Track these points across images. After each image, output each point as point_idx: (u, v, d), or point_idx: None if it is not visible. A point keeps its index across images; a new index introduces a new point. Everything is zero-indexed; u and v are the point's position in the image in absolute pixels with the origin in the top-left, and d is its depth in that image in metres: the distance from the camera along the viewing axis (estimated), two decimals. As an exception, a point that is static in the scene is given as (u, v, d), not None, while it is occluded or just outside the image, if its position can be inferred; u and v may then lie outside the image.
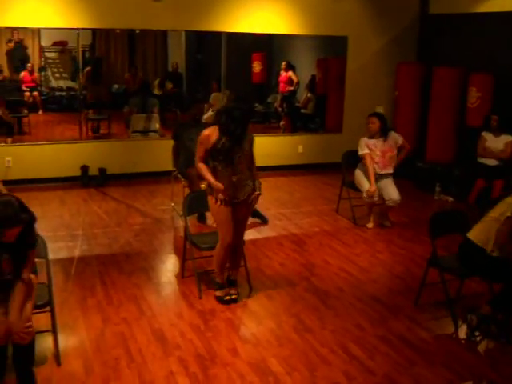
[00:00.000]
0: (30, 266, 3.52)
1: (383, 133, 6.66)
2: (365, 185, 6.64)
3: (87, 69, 9.97)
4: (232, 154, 4.50)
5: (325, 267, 5.57)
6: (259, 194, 4.70)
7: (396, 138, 6.74)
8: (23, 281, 3.43)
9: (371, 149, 6.60)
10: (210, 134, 4.52)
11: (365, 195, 6.63)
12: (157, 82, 11.09)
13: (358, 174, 6.78)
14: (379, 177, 6.63)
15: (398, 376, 3.74)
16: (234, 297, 4.73)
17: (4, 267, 3.40)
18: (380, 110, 9.68)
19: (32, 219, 3.39)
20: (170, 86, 11.09)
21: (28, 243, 3.45)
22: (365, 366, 3.84)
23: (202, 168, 4.58)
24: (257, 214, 6.77)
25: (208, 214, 6.27)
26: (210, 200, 4.63)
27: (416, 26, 10.03)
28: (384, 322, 4.48)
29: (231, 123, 4.44)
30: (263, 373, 3.72)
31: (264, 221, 6.80)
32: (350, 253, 5.97)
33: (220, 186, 4.46)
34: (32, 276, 3.56)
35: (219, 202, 4.50)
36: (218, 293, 4.75)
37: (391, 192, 6.58)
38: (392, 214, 6.95)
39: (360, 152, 6.67)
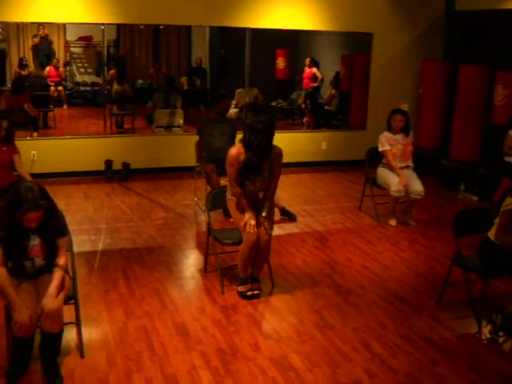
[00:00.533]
0: (65, 255, 3.64)
1: (405, 130, 6.65)
2: (391, 179, 6.54)
3: (112, 71, 10.01)
4: (261, 170, 4.57)
5: (347, 265, 5.55)
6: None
7: (412, 135, 6.82)
8: (61, 267, 3.54)
9: (392, 144, 6.58)
10: (237, 152, 4.56)
11: (394, 189, 6.47)
12: (184, 79, 11.12)
13: (382, 171, 6.74)
14: (404, 169, 6.60)
15: (420, 375, 3.71)
16: (256, 292, 4.73)
17: (34, 252, 3.50)
18: (404, 107, 9.61)
19: (52, 206, 3.50)
20: (198, 82, 11.13)
21: (56, 231, 3.56)
22: (387, 365, 3.81)
23: (239, 194, 4.60)
24: (285, 213, 6.79)
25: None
26: (230, 203, 4.71)
27: (442, 23, 9.92)
28: (406, 320, 4.45)
29: (255, 138, 4.49)
30: (284, 368, 3.72)
31: (292, 218, 6.79)
32: (372, 250, 5.94)
33: (252, 216, 4.52)
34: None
35: (249, 229, 4.50)
36: (241, 288, 4.76)
37: (415, 184, 6.52)
38: (415, 211, 6.90)
39: (381, 149, 6.65)
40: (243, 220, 4.53)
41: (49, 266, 3.57)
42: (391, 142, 6.59)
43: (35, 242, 3.51)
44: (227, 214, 6.60)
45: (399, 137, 6.63)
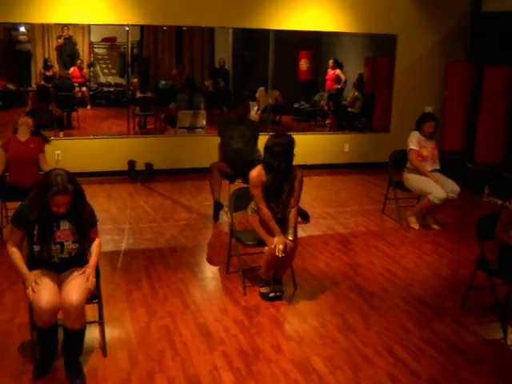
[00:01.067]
0: (98, 254, 3.77)
1: (433, 135, 6.68)
2: (430, 186, 6.39)
3: (135, 80, 10.04)
4: (281, 191, 4.57)
5: (370, 267, 5.52)
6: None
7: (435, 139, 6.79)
8: (96, 245, 3.78)
9: (423, 145, 6.55)
10: (258, 174, 4.58)
11: (438, 196, 6.31)
12: (209, 81, 11.14)
13: (415, 177, 6.58)
14: (433, 172, 6.57)
15: (443, 380, 3.67)
16: (278, 294, 4.73)
17: (63, 236, 3.56)
18: (429, 110, 9.54)
19: (80, 192, 3.57)
20: (221, 83, 11.15)
21: (86, 217, 3.65)
22: (409, 369, 3.78)
23: (268, 217, 4.57)
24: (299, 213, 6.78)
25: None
26: (251, 220, 4.75)
27: (467, 25, 9.84)
28: (430, 324, 4.41)
29: (274, 160, 4.51)
30: (306, 371, 3.71)
31: (304, 218, 6.78)
32: (395, 254, 5.90)
33: (281, 240, 4.49)
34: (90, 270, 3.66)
35: (278, 253, 4.47)
36: (263, 289, 4.75)
37: (449, 184, 6.47)
38: (439, 215, 6.84)
39: (410, 146, 6.59)
40: (272, 243, 4.48)
41: (79, 253, 3.64)
42: (422, 144, 6.56)
43: (65, 226, 3.57)
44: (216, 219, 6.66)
45: (428, 140, 6.62)
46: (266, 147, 4.61)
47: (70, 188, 3.44)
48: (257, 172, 4.60)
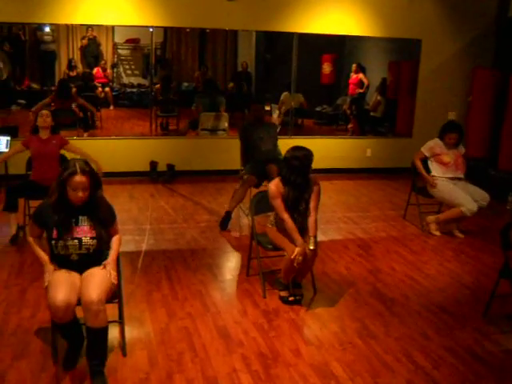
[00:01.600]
0: (117, 250, 3.80)
1: (456, 145, 6.60)
2: (461, 197, 6.33)
3: (157, 86, 10.09)
4: (298, 204, 4.60)
5: (391, 273, 5.48)
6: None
7: (461, 147, 6.69)
8: (117, 238, 3.84)
9: (443, 152, 6.49)
10: (276, 186, 4.62)
11: (469, 207, 6.26)
12: (231, 84, 11.18)
13: (445, 187, 6.48)
14: (454, 180, 6.51)
15: (464, 389, 3.64)
16: (298, 298, 4.70)
17: (82, 232, 3.58)
18: (452, 116, 9.49)
19: (96, 178, 3.63)
20: (245, 87, 11.17)
21: (104, 213, 3.70)
22: (430, 377, 3.74)
23: (291, 227, 4.56)
24: None
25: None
26: (270, 232, 4.79)
27: (493, 30, 9.75)
28: (451, 332, 4.36)
29: (291, 174, 4.56)
30: (325, 376, 3.69)
31: None
32: (417, 260, 5.85)
33: (302, 251, 4.46)
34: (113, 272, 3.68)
35: (296, 263, 4.46)
36: (283, 293, 4.74)
37: (479, 192, 6.42)
38: (463, 222, 6.76)
39: (421, 148, 6.62)
40: (293, 253, 4.45)
41: (98, 250, 3.64)
42: (443, 151, 6.50)
43: (84, 223, 3.60)
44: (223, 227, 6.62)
45: (452, 148, 6.56)
46: (285, 159, 4.65)
47: (86, 168, 3.53)
48: (275, 185, 4.63)
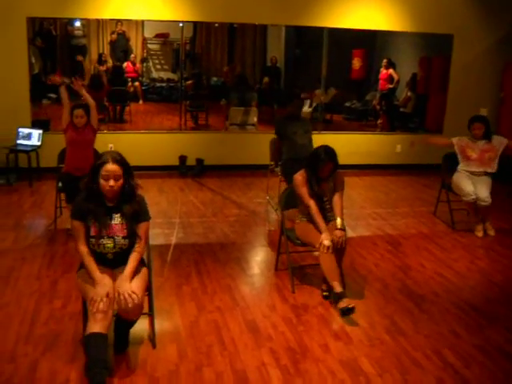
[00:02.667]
0: (143, 245, 3.71)
1: (487, 136, 6.48)
2: (463, 184, 6.40)
3: (189, 82, 10.11)
4: (321, 196, 4.65)
5: (420, 270, 5.44)
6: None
7: (500, 140, 6.52)
8: (137, 252, 3.65)
9: (470, 146, 6.45)
10: (302, 176, 4.68)
11: (463, 193, 6.37)
12: (266, 79, 11.17)
13: (456, 177, 6.56)
14: (474, 174, 6.45)
15: (494, 388, 3.60)
16: (351, 305, 4.34)
17: (115, 231, 3.60)
18: (484, 112, 9.36)
19: (129, 169, 3.63)
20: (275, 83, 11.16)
21: (136, 210, 3.65)
22: (459, 375, 3.70)
23: (315, 211, 4.62)
24: None
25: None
26: (298, 227, 4.81)
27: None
28: (481, 330, 4.31)
29: (313, 166, 4.61)
30: (354, 372, 3.67)
31: None
32: (447, 257, 5.80)
33: (327, 236, 4.50)
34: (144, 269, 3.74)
35: (323, 249, 4.47)
36: (341, 304, 4.35)
37: (481, 191, 6.34)
38: (493, 220, 6.68)
39: (452, 137, 6.62)
40: (317, 241, 4.48)
41: (129, 249, 3.65)
42: (469, 145, 6.44)
43: (116, 220, 3.61)
44: None
45: (480, 143, 6.47)
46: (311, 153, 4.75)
47: (118, 157, 3.56)
48: (301, 175, 4.69)
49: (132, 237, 3.64)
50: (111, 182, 3.52)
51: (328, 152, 4.60)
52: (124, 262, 3.63)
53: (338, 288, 4.40)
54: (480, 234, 6.49)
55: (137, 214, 3.67)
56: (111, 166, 3.52)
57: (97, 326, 3.33)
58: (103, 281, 3.46)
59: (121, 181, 3.57)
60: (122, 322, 3.60)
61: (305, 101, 9.96)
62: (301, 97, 8.44)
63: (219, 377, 3.55)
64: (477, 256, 5.89)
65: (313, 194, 4.64)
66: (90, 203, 3.58)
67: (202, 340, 3.98)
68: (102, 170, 3.51)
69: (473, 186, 6.37)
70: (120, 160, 3.58)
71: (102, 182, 3.53)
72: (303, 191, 4.66)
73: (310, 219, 4.68)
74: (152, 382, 3.47)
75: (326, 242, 4.45)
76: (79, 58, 9.82)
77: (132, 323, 3.64)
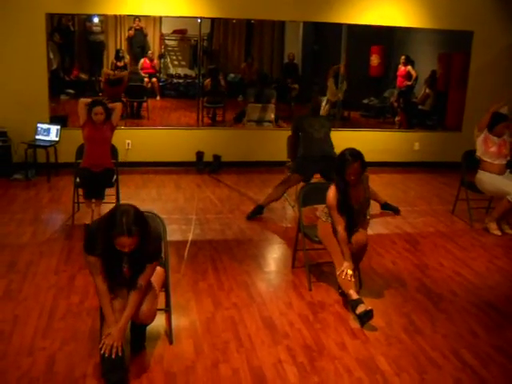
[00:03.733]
0: (147, 277, 3.53)
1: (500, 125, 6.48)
2: (509, 185, 6.25)
3: (207, 81, 10.10)
4: (351, 206, 4.50)
5: (438, 269, 5.39)
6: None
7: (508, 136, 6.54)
8: (137, 288, 3.47)
9: (490, 144, 6.38)
10: (333, 192, 4.49)
11: (510, 197, 6.18)
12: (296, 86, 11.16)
13: (491, 178, 6.39)
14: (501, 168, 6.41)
15: (513, 389, 3.56)
16: (369, 308, 4.22)
17: (125, 273, 3.49)
18: (504, 110, 9.25)
19: (146, 232, 3.34)
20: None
21: (147, 257, 3.46)
22: (478, 375, 3.66)
23: (342, 237, 4.48)
24: (386, 206, 6.88)
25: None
26: (323, 226, 4.67)
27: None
28: (500, 331, 4.27)
29: (341, 170, 4.46)
30: (371, 370, 3.65)
31: (395, 211, 6.95)
32: (465, 256, 5.74)
33: (350, 265, 4.44)
34: (159, 268, 3.72)
35: (345, 277, 4.40)
36: (358, 309, 4.25)
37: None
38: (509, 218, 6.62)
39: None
40: (340, 267, 4.42)
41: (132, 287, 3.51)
42: (489, 143, 6.38)
43: (124, 263, 3.47)
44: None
45: (496, 139, 6.43)
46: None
47: (134, 231, 3.22)
48: (332, 192, 4.50)
49: (134, 279, 3.49)
50: (126, 249, 3.31)
51: (353, 153, 4.45)
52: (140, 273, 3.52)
53: (354, 295, 4.34)
54: (499, 232, 6.42)
55: (147, 258, 3.48)
56: (126, 240, 3.24)
57: None
58: (113, 324, 3.43)
59: (135, 244, 3.32)
60: (141, 327, 3.64)
61: (322, 98, 9.90)
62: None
63: (235, 373, 3.54)
64: (496, 255, 5.83)
65: (343, 207, 4.48)
66: (100, 247, 3.37)
67: (218, 336, 3.98)
68: (117, 240, 3.24)
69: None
70: (137, 231, 3.26)
71: (116, 245, 3.30)
72: (334, 214, 4.49)
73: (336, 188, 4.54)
74: (168, 377, 3.47)
75: (350, 272, 4.40)
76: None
77: (147, 324, 3.68)
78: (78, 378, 3.41)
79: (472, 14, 9.26)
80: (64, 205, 6.83)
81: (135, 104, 10.29)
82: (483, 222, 6.61)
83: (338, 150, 6.66)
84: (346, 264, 4.43)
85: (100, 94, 9.32)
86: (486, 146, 6.42)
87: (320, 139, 6.61)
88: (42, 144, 8.08)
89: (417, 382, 3.56)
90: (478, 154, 6.50)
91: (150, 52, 10.65)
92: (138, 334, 3.76)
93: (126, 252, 3.32)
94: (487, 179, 6.45)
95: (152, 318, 3.61)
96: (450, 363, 3.78)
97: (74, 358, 3.61)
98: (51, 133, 8.16)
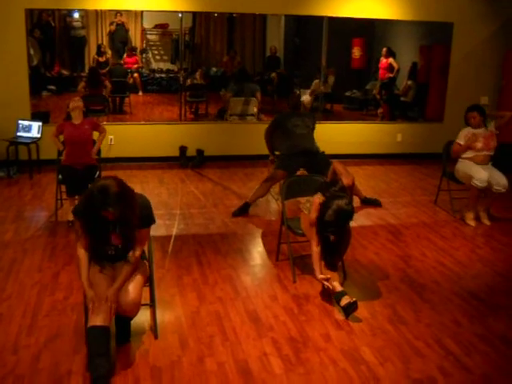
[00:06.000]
0: (139, 246, 3.65)
1: (484, 123, 6.49)
2: (473, 170, 6.32)
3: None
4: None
5: (421, 259, 5.44)
6: None
7: (492, 125, 6.57)
8: (128, 259, 3.58)
9: (473, 139, 6.36)
10: (316, 207, 4.42)
11: (478, 177, 6.23)
12: (274, 74, 11.14)
13: (462, 165, 6.49)
14: (479, 163, 6.41)
15: (496, 376, 3.59)
16: (353, 299, 4.24)
17: (114, 240, 3.55)
18: (484, 100, 9.35)
19: (129, 200, 3.42)
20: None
21: (135, 222, 3.51)
22: (461, 363, 3.70)
23: (315, 254, 4.48)
24: (366, 201, 6.94)
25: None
26: (303, 216, 4.71)
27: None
28: (483, 319, 4.31)
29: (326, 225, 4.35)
30: (356, 361, 3.68)
31: (377, 203, 7.00)
32: (448, 246, 5.79)
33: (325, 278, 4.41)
34: (143, 263, 3.74)
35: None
36: (343, 301, 4.26)
37: (498, 177, 6.32)
38: (493, 208, 6.68)
39: (457, 140, 6.48)
40: (318, 277, 4.43)
41: (131, 248, 3.62)
42: (473, 138, 6.38)
43: (115, 230, 3.53)
44: None
45: (480, 130, 6.44)
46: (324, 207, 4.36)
47: (111, 209, 3.32)
48: (316, 206, 4.42)
49: (128, 248, 3.58)
50: (110, 216, 3.38)
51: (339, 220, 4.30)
52: (124, 257, 3.62)
53: (338, 288, 4.37)
54: (473, 223, 6.46)
55: (135, 223, 3.54)
56: (109, 213, 3.35)
57: (98, 319, 3.35)
58: (90, 294, 3.46)
59: (119, 215, 3.40)
60: (125, 320, 3.64)
61: (302, 92, 9.91)
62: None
63: (221, 367, 3.55)
64: (478, 245, 5.89)
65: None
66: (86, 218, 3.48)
67: (203, 330, 3.98)
68: (100, 213, 3.35)
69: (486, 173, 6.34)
70: (119, 207, 3.34)
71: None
72: (311, 233, 4.50)
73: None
74: (154, 372, 3.47)
75: (327, 283, 4.39)
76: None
77: (131, 317, 3.67)
78: (64, 374, 3.41)
79: (452, 6, 9.30)
80: (47, 202, 6.79)
81: (117, 99, 10.24)
82: (466, 213, 6.65)
83: (321, 143, 6.77)
84: (320, 276, 4.41)
85: (83, 91, 9.27)
86: (472, 146, 6.43)
87: (302, 135, 6.62)
88: (23, 141, 8.01)
89: (401, 372, 3.59)
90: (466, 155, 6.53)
91: (130, 47, 10.61)
92: (122, 327, 3.76)
93: (111, 219, 3.40)
94: (461, 167, 6.52)
95: (136, 309, 3.57)
96: (434, 352, 3.82)
97: (58, 355, 3.60)
98: (33, 129, 8.09)
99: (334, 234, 4.33)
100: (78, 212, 3.53)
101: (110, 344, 3.46)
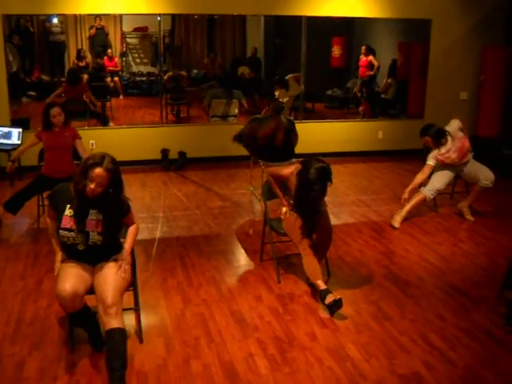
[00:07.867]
0: (133, 239, 3.83)
1: (444, 137, 6.29)
2: (434, 177, 6.38)
3: (168, 74, 10.05)
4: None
5: (405, 255, 5.47)
6: None
7: (458, 124, 6.42)
8: (133, 228, 3.85)
9: (446, 156, 6.27)
10: (291, 171, 4.67)
11: (429, 188, 6.34)
12: (244, 68, 11.11)
13: (438, 173, 6.46)
14: (462, 166, 6.40)
15: (480, 369, 3.62)
16: (337, 297, 4.24)
17: (89, 226, 3.50)
18: (464, 96, 9.43)
19: (118, 177, 3.51)
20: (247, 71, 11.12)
21: (117, 207, 3.60)
22: (446, 357, 3.74)
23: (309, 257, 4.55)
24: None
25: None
26: (286, 220, 4.77)
27: (503, 8, 9.62)
28: (466, 313, 4.35)
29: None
30: (341, 358, 3.70)
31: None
32: (431, 241, 5.83)
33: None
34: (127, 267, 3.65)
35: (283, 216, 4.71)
36: (327, 300, 4.27)
37: (486, 172, 6.32)
38: (475, 202, 6.72)
39: (428, 161, 6.39)
40: (279, 210, 4.71)
41: (102, 246, 3.56)
42: (444, 155, 6.30)
43: (92, 216, 3.51)
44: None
45: (449, 144, 6.28)
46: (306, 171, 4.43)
47: (110, 166, 3.42)
48: (291, 171, 4.62)
49: (108, 234, 3.55)
50: (92, 186, 3.40)
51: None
52: (99, 259, 3.58)
53: (322, 286, 4.38)
54: (398, 224, 6.31)
55: (116, 214, 3.61)
56: (99, 171, 3.39)
57: (114, 322, 3.35)
58: (58, 256, 3.65)
59: (103, 188, 3.46)
60: (108, 335, 3.37)
61: (282, 90, 9.89)
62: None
63: (207, 369, 3.56)
64: (460, 239, 5.93)
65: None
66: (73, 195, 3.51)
67: (188, 333, 3.98)
68: (91, 171, 3.39)
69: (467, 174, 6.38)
70: (111, 169, 3.43)
71: (87, 181, 3.42)
72: (274, 184, 4.88)
73: (300, 215, 4.60)
74: (140, 377, 3.47)
75: (284, 209, 4.80)
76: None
77: (119, 333, 3.35)
78: (49, 381, 3.39)
79: (429, 3, 9.36)
80: (28, 208, 6.71)
81: (99, 104, 10.19)
82: (448, 207, 6.71)
83: (303, 143, 6.78)
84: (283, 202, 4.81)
85: (62, 95, 9.20)
86: (448, 159, 6.32)
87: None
88: (3, 148, 7.93)
89: (386, 367, 3.61)
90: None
91: (109, 51, 10.57)
92: (112, 344, 3.39)
93: (95, 196, 3.45)
94: (438, 174, 6.46)
95: (117, 301, 3.42)
96: (419, 347, 3.85)
97: (43, 363, 3.58)
98: (13, 136, 8.02)
99: (319, 192, 4.39)
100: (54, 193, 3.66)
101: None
